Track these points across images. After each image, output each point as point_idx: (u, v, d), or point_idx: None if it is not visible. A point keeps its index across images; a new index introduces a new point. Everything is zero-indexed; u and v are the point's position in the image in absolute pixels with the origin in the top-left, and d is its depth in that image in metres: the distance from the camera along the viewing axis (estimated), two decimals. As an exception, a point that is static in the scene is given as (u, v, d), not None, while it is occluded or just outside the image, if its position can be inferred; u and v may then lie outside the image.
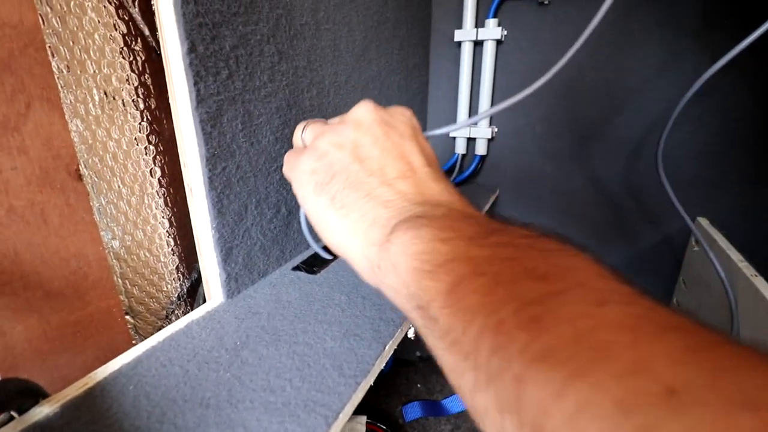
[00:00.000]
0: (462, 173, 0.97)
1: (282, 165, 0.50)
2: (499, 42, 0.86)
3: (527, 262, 0.18)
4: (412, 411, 0.80)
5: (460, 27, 0.87)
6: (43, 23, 0.39)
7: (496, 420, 0.15)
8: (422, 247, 0.21)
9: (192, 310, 0.60)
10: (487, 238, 0.20)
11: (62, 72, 0.41)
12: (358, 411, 0.75)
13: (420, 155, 0.28)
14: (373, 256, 0.25)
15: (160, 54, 0.46)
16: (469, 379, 0.17)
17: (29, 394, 0.31)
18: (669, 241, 0.88)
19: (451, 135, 0.95)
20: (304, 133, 0.34)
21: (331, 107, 0.58)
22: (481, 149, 0.94)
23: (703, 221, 0.82)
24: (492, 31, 0.83)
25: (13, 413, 0.30)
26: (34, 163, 0.36)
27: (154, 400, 0.32)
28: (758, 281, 0.58)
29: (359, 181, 0.27)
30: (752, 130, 0.76)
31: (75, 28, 0.41)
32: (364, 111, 0.30)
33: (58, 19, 0.40)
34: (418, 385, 0.87)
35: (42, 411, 0.31)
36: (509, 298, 0.16)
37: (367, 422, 0.73)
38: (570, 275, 0.17)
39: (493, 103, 0.92)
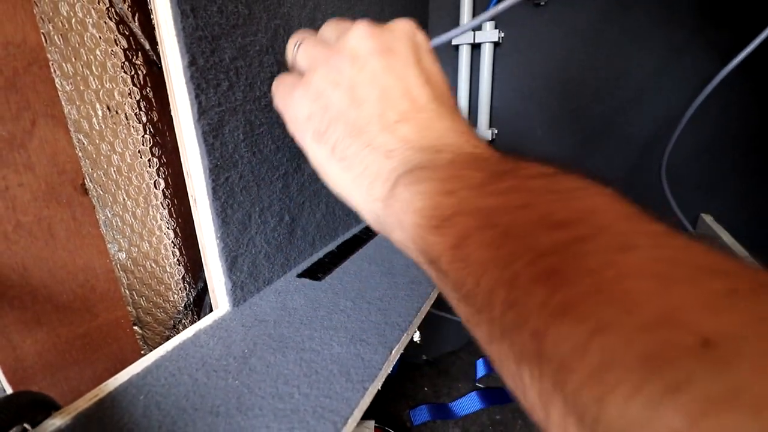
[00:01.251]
0: (463, 175, 0.97)
1: (284, 173, 0.51)
2: (496, 44, 0.86)
3: (542, 207, 0.16)
4: (420, 414, 0.80)
5: (457, 30, 0.88)
6: (46, 41, 0.40)
7: (512, 370, 0.15)
8: (425, 202, 0.20)
9: (199, 319, 0.60)
10: (496, 183, 0.19)
11: (65, 88, 0.42)
12: (366, 415, 0.75)
13: (425, 87, 0.25)
14: (379, 211, 0.24)
15: (161, 67, 0.47)
16: (484, 330, 0.16)
17: (42, 407, 0.32)
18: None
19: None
20: (297, 52, 0.31)
21: (331, 114, 0.58)
22: (481, 151, 0.94)
23: (707, 218, 0.82)
24: (489, 33, 0.83)
25: (26, 426, 0.30)
26: (40, 178, 0.36)
27: (165, 410, 0.32)
28: (763, 275, 0.58)
29: (359, 129, 0.25)
30: (756, 125, 0.76)
31: (77, 45, 0.42)
32: (360, 38, 0.25)
33: (60, 36, 0.41)
34: (425, 389, 0.87)
35: (54, 423, 0.31)
36: (523, 250, 0.15)
37: (375, 426, 0.73)
38: (590, 219, 0.15)
39: (492, 107, 0.92)
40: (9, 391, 0.38)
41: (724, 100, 0.76)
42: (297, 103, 0.28)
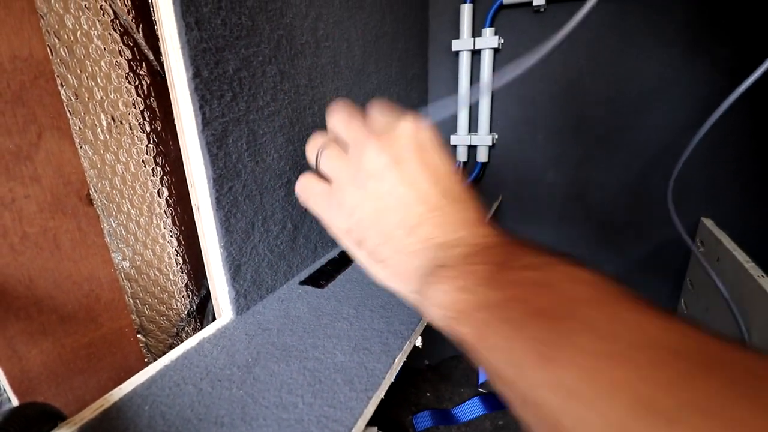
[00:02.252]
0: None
1: (287, 182, 0.51)
2: (496, 50, 0.87)
3: (536, 301, 0.21)
4: (423, 420, 0.80)
5: (457, 37, 0.88)
6: (52, 54, 0.40)
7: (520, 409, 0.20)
8: (447, 299, 0.25)
9: (201, 326, 0.60)
10: (500, 278, 0.23)
11: (71, 100, 0.42)
12: (369, 422, 0.75)
13: (435, 187, 0.29)
14: (416, 302, 0.29)
15: (165, 77, 0.48)
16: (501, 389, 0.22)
17: (48, 418, 0.32)
18: (675, 241, 0.88)
19: (452, 143, 0.96)
20: (320, 160, 0.34)
21: (333, 122, 0.59)
22: (482, 156, 0.95)
23: (708, 222, 0.82)
24: (489, 40, 0.84)
25: (32, 437, 0.30)
26: (46, 190, 0.36)
27: (170, 420, 0.32)
28: (765, 281, 0.58)
29: (388, 236, 0.29)
30: (758, 130, 0.77)
31: (82, 57, 0.43)
32: (374, 157, 0.29)
33: (65, 49, 0.41)
34: (428, 394, 0.87)
35: (60, 434, 0.31)
36: (526, 339, 0.20)
37: (378, 433, 0.73)
38: (578, 312, 0.19)
39: (492, 111, 0.92)
40: (15, 401, 0.38)
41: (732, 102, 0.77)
42: (336, 218, 0.33)
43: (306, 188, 0.35)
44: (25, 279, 0.36)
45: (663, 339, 0.17)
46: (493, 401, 0.84)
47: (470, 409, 0.82)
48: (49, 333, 0.39)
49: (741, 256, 0.67)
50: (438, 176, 0.30)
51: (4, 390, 0.38)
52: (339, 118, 0.34)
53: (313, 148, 0.35)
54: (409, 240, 0.29)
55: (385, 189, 0.29)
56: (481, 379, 0.90)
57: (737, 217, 0.82)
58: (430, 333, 0.83)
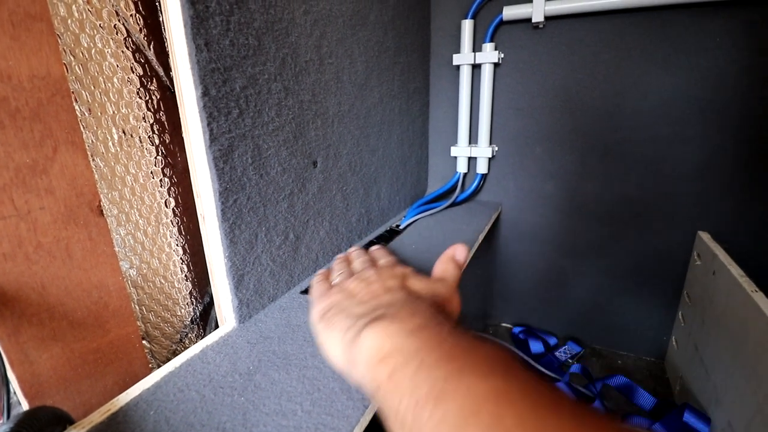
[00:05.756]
0: (464, 191, 0.99)
1: (290, 194, 0.52)
2: (496, 65, 0.89)
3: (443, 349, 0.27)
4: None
5: (458, 51, 0.90)
6: (67, 71, 0.42)
7: None
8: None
9: (204, 332, 0.62)
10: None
11: (84, 115, 0.44)
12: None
13: (415, 356, 0.28)
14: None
15: (174, 91, 0.49)
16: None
17: (58, 421, 0.33)
18: (672, 254, 0.89)
19: (453, 155, 0.98)
20: (328, 318, 0.37)
21: (335, 136, 0.60)
22: (482, 168, 0.96)
23: (705, 235, 0.84)
24: (489, 54, 0.86)
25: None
26: (59, 201, 0.38)
27: (174, 425, 0.34)
28: (758, 296, 0.59)
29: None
30: (753, 145, 0.78)
31: (96, 74, 0.45)
32: (370, 344, 0.30)
33: (80, 66, 0.43)
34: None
35: (69, 437, 0.33)
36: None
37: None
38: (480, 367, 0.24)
39: (492, 125, 0.94)
40: (25, 404, 0.40)
41: (721, 121, 0.78)
42: (354, 369, 0.33)
43: (326, 337, 0.37)
44: (38, 286, 0.38)
45: None
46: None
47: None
48: (60, 338, 0.40)
49: (735, 270, 0.68)
50: (415, 343, 0.29)
51: (15, 393, 0.39)
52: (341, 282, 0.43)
53: (318, 311, 0.39)
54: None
55: (387, 368, 0.29)
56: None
57: (733, 230, 0.83)
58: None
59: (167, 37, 0.38)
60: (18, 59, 0.35)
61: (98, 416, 0.35)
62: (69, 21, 0.41)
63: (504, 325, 1.12)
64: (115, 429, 0.34)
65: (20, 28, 0.34)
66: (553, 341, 1.04)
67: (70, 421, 0.35)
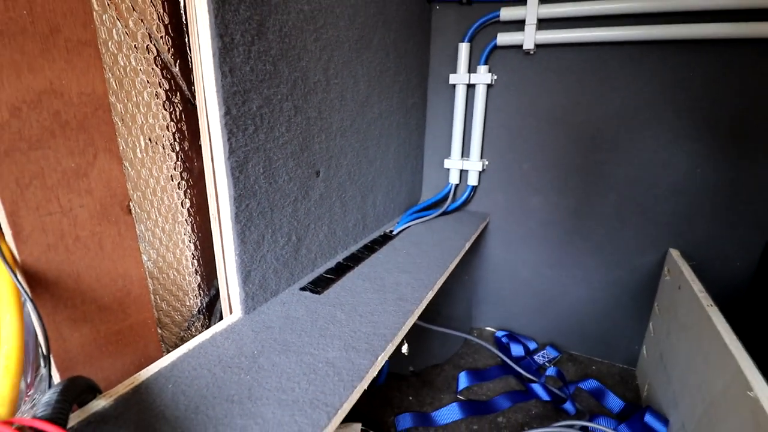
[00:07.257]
0: (455, 201, 1.05)
1: (294, 200, 0.58)
2: (489, 86, 0.95)
3: None
4: (404, 421, 0.86)
5: (455, 71, 0.97)
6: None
7: None
8: None
9: (210, 322, 0.67)
10: None
11: (117, 125, 0.50)
12: (355, 419, 0.82)
13: None
14: None
15: (195, 104, 0.55)
16: None
17: (90, 390, 0.39)
18: (646, 269, 0.96)
19: (446, 166, 1.04)
20: None
21: (337, 148, 0.66)
22: (473, 180, 1.03)
23: (675, 252, 0.90)
24: (483, 76, 0.92)
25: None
26: (96, 201, 0.44)
27: (189, 396, 0.39)
28: (712, 311, 0.66)
29: None
30: (720, 169, 0.85)
31: (129, 88, 0.50)
32: None
33: (116, 81, 0.49)
34: (410, 398, 0.94)
35: (99, 404, 0.39)
36: None
37: (362, 429, 0.80)
38: None
39: (484, 141, 1.01)
40: (56, 376, 0.45)
41: (695, 144, 0.85)
42: None
43: None
44: (74, 274, 0.44)
45: None
46: (470, 408, 0.91)
47: (448, 414, 0.89)
48: (89, 320, 0.46)
49: (697, 285, 0.75)
50: None
51: (49, 364, 0.45)
52: None
53: None
54: None
55: None
56: (461, 387, 0.97)
57: (701, 249, 0.90)
58: (416, 342, 0.90)
59: (195, 62, 0.44)
60: (70, 79, 0.41)
61: (122, 388, 0.41)
62: (109, 43, 0.47)
63: (488, 328, 1.18)
64: (138, 398, 0.40)
65: (73, 53, 0.40)
66: (533, 345, 1.10)
67: (99, 391, 0.40)
